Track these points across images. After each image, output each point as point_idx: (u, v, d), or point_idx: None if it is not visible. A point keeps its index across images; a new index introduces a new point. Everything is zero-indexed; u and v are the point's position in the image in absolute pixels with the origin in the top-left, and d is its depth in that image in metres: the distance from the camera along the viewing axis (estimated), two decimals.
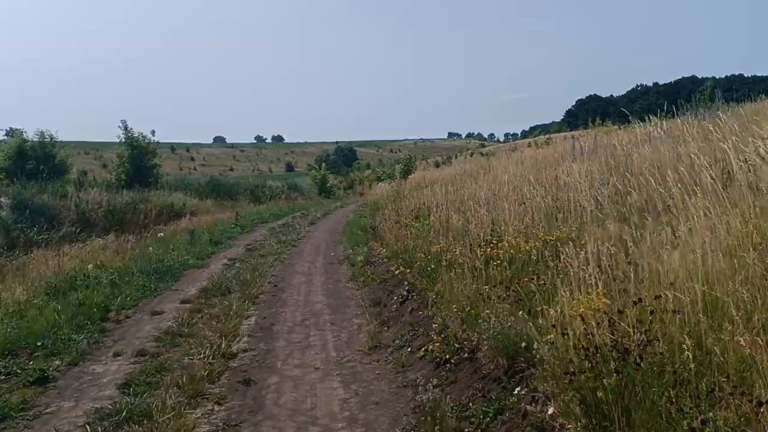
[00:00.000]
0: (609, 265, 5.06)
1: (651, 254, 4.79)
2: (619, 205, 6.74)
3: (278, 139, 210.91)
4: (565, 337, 3.97)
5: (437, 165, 57.57)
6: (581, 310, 4.09)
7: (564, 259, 6.01)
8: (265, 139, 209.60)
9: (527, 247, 6.82)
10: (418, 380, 5.65)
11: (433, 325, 6.43)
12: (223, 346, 7.15)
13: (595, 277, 4.60)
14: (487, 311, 5.33)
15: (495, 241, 7.24)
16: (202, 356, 6.80)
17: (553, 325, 4.16)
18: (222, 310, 9.00)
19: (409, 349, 6.46)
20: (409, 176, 23.25)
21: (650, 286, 4.36)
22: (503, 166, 18.26)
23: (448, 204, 11.02)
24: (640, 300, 4.21)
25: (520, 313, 5.12)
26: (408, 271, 8.68)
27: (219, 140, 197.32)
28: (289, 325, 8.22)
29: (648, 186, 6.40)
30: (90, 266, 12.27)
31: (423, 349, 6.15)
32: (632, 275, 4.51)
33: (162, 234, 17.60)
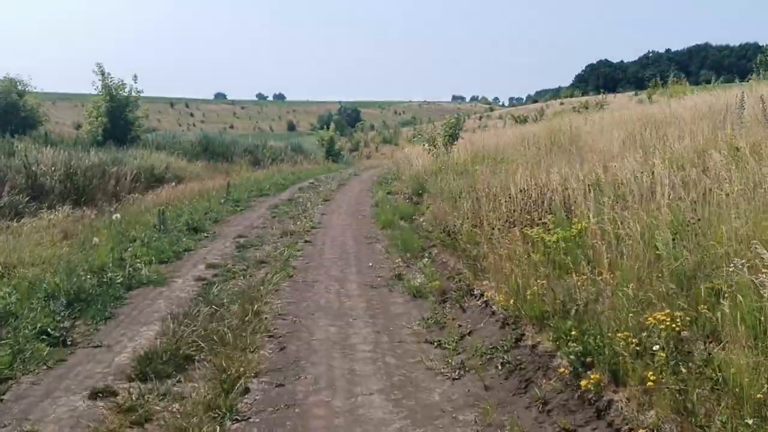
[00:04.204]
0: None
1: None
2: None
3: (280, 97, 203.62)
4: None
5: None
6: None
7: None
8: (267, 96, 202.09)
9: None
10: None
11: None
12: None
13: None
14: None
15: None
16: None
17: None
18: None
19: None
20: (455, 143, 17.80)
21: None
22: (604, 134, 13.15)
23: (613, 201, 5.81)
24: None
25: None
26: (610, 383, 3.55)
27: (220, 96, 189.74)
28: None
29: None
30: None
31: None
32: None
33: (118, 215, 12.20)
